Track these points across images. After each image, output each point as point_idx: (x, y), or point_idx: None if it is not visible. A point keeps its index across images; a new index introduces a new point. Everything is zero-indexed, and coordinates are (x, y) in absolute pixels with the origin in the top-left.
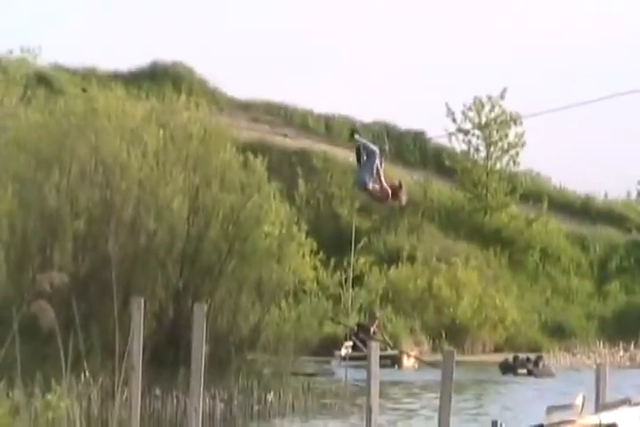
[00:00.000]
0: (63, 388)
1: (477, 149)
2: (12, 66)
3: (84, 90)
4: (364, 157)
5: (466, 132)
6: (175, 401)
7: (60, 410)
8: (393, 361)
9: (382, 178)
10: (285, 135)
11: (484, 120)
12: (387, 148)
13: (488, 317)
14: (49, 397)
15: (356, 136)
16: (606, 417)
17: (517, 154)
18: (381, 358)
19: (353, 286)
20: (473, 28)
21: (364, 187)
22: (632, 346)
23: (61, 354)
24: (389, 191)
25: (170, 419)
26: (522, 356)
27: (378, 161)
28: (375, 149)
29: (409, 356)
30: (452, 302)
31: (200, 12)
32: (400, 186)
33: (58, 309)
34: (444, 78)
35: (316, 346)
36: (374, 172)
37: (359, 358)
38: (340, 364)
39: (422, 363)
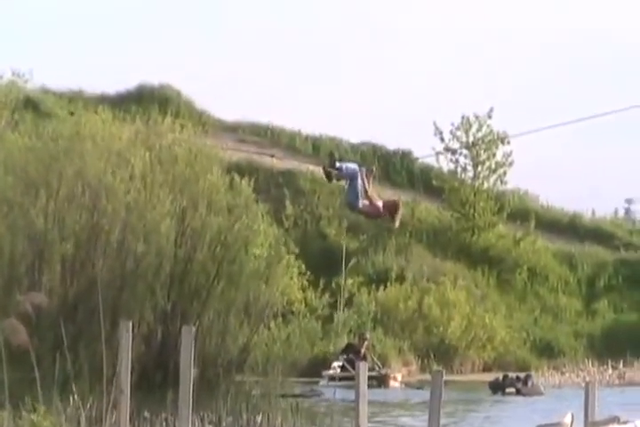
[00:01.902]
0: (51, 410)
1: (465, 169)
2: (2, 90)
3: (71, 113)
4: (347, 180)
5: (453, 152)
6: (164, 424)
7: None
8: (379, 382)
9: (370, 193)
10: (273, 156)
11: (471, 139)
12: (374, 168)
13: (477, 336)
14: (32, 417)
15: (337, 164)
16: None
17: (505, 173)
18: (368, 378)
19: (343, 308)
20: (460, 47)
21: (353, 208)
22: (620, 364)
23: (50, 377)
24: (380, 206)
25: None
26: (511, 375)
27: (360, 180)
28: (355, 168)
29: (395, 379)
30: (440, 321)
31: (186, 34)
32: (397, 204)
33: (46, 331)
34: (431, 98)
35: (305, 367)
36: (360, 191)
37: (347, 378)
38: (329, 384)
39: (410, 384)
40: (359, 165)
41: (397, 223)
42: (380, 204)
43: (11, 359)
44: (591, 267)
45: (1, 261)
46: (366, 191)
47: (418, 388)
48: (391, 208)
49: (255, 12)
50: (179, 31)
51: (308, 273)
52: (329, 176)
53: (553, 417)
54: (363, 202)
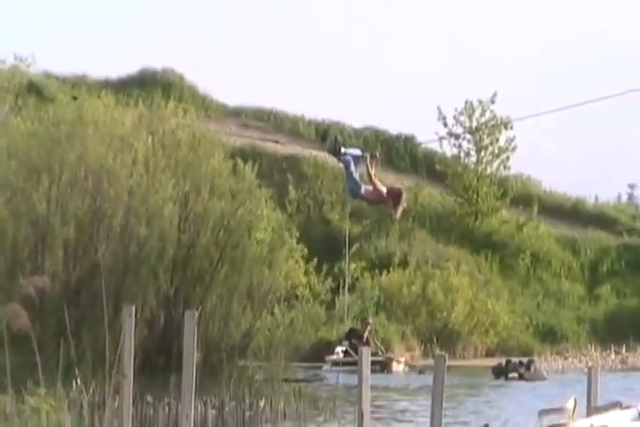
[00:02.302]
0: (53, 394)
1: (468, 154)
2: (5, 75)
3: (74, 98)
4: (344, 168)
5: (457, 137)
6: (167, 408)
7: (51, 417)
8: (382, 367)
9: (374, 179)
10: (277, 142)
11: (474, 124)
12: (377, 153)
13: (480, 321)
14: (31, 401)
15: (342, 150)
16: (598, 420)
17: (508, 158)
18: (371, 363)
19: (346, 292)
20: (464, 32)
21: (355, 196)
22: (623, 349)
23: (53, 361)
24: (384, 192)
25: (161, 426)
26: (514, 360)
27: (354, 166)
28: (349, 157)
29: (398, 362)
30: (444, 306)
31: (189, 18)
32: (400, 192)
33: (49, 316)
34: (434, 83)
35: (308, 352)
36: (358, 178)
37: (350, 363)
38: (332, 369)
39: (412, 368)
40: (362, 151)
41: (399, 214)
42: (384, 189)
43: (13, 344)
44: (594, 252)
45: (3, 246)
46: (370, 176)
47: (420, 372)
48: (395, 196)
49: None
50: (182, 16)
51: (312, 258)
52: (324, 139)
53: (555, 402)
54: (365, 187)
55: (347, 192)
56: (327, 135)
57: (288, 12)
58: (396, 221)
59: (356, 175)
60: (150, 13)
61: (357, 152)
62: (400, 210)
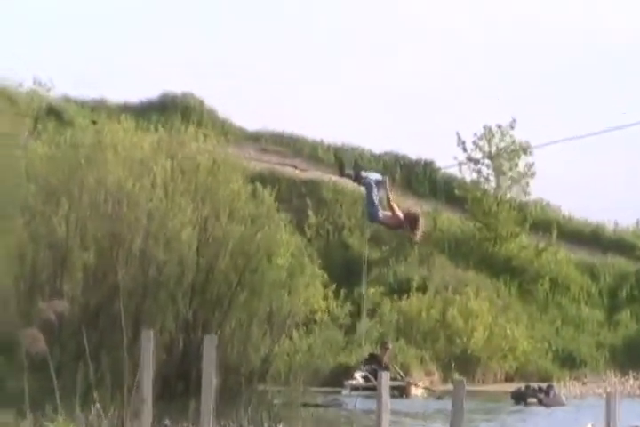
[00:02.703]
0: (72, 418)
1: (487, 179)
2: (23, 98)
3: (93, 122)
4: (365, 191)
5: (476, 162)
6: None
7: None
8: (400, 392)
9: (393, 204)
10: (295, 167)
11: (494, 150)
12: (394, 177)
13: (499, 346)
14: (52, 426)
15: (363, 174)
16: None
17: (527, 184)
18: (390, 388)
19: (365, 317)
20: (483, 57)
21: (373, 219)
22: None
23: (72, 385)
24: (401, 216)
25: None
26: (533, 385)
27: (376, 190)
28: (371, 179)
29: (417, 386)
30: (463, 331)
31: (209, 42)
32: (417, 216)
33: (68, 339)
34: (454, 107)
35: (327, 376)
36: (377, 202)
37: (369, 388)
38: (350, 394)
39: (431, 393)
40: (382, 175)
41: (418, 236)
42: (401, 214)
43: (31, 368)
44: (613, 278)
45: (23, 270)
46: (389, 201)
47: (438, 398)
48: (411, 220)
49: (279, 21)
50: (201, 40)
51: (331, 283)
52: (342, 171)
53: None
54: (384, 213)
55: (365, 216)
56: (343, 164)
57: (307, 36)
58: (416, 244)
59: (376, 199)
60: (169, 36)
61: (377, 177)
62: (418, 234)
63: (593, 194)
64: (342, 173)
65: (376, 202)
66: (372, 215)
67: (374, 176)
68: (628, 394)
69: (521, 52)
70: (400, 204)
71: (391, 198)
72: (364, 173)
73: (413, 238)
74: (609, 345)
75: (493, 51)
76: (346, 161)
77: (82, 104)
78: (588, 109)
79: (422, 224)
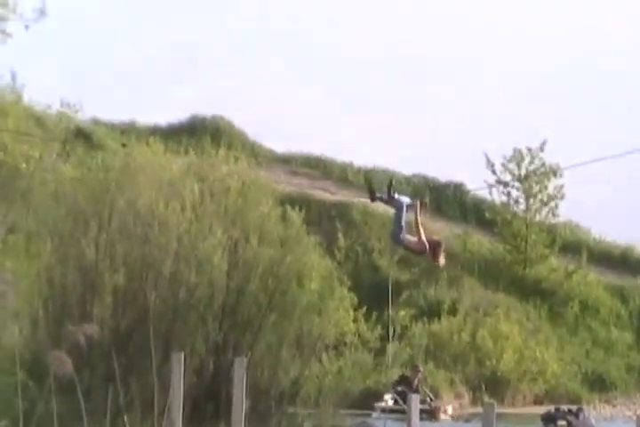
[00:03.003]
0: None
1: (517, 201)
2: (52, 120)
3: (123, 145)
4: (395, 211)
5: (505, 185)
6: None
7: None
8: (429, 415)
9: (421, 229)
10: (325, 191)
11: (523, 172)
12: (426, 200)
13: (528, 369)
14: None
15: (396, 196)
16: None
17: (557, 206)
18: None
19: (395, 340)
20: (513, 79)
21: (395, 241)
22: None
23: (102, 408)
24: (427, 244)
25: None
26: (563, 408)
27: (405, 213)
28: (403, 201)
29: (445, 410)
30: (493, 354)
31: (236, 64)
32: (439, 243)
33: (98, 363)
34: (483, 130)
35: (357, 399)
36: (404, 225)
37: (399, 410)
38: (380, 416)
39: (459, 416)
40: (411, 199)
41: (441, 263)
42: (426, 243)
43: (60, 391)
44: None
45: (52, 293)
46: (418, 225)
47: (466, 420)
48: (434, 247)
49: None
50: (227, 61)
51: (361, 305)
52: (372, 195)
53: None
54: (407, 237)
55: (390, 239)
56: (373, 189)
57: (335, 57)
58: (441, 269)
59: (404, 222)
60: (198, 59)
61: (407, 200)
62: (441, 261)
63: (623, 215)
64: (373, 198)
65: (403, 224)
66: (395, 237)
67: (405, 200)
68: None
69: (550, 74)
70: (430, 226)
71: (420, 223)
72: (396, 195)
73: (437, 264)
74: (639, 367)
75: (523, 73)
76: (376, 184)
77: (111, 126)
78: (619, 132)
79: (444, 252)
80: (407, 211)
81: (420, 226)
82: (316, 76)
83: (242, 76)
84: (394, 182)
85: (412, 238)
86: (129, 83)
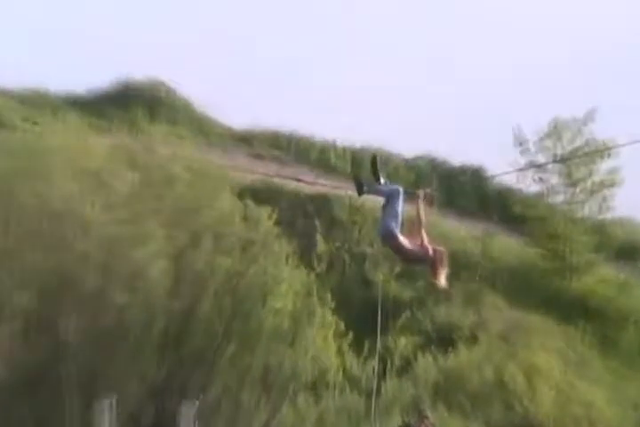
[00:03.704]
0: None
1: (556, 191)
2: None
3: (34, 123)
4: (385, 202)
5: (539, 168)
6: None
7: None
8: None
9: (424, 232)
10: (298, 180)
11: (564, 151)
12: (433, 190)
13: (572, 414)
14: None
15: (382, 180)
16: None
17: (609, 197)
18: None
19: (393, 377)
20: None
21: (389, 236)
22: None
23: None
24: (430, 250)
25: None
26: None
27: (401, 203)
28: (395, 187)
29: None
30: (524, 395)
31: (183, 20)
32: (442, 256)
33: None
34: (510, 96)
35: None
36: (400, 217)
37: None
38: None
39: None
40: (413, 189)
41: (442, 283)
42: (430, 249)
43: None
44: None
45: None
46: (420, 224)
47: None
48: (437, 259)
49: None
50: (171, 16)
51: (347, 332)
52: (360, 188)
53: None
54: (406, 238)
55: (378, 234)
56: (361, 183)
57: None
58: (441, 290)
59: (399, 213)
60: (130, 12)
61: (397, 187)
62: (442, 280)
63: None
64: (360, 191)
65: (399, 217)
66: (387, 231)
67: (395, 186)
68: None
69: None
70: (439, 225)
71: (423, 221)
72: (382, 180)
73: (438, 283)
74: None
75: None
76: (380, 168)
77: (14, 97)
78: None
79: (446, 265)
80: (405, 202)
81: (422, 225)
82: (286, 27)
83: (187, 30)
84: (379, 162)
85: (410, 238)
86: (38, 39)
